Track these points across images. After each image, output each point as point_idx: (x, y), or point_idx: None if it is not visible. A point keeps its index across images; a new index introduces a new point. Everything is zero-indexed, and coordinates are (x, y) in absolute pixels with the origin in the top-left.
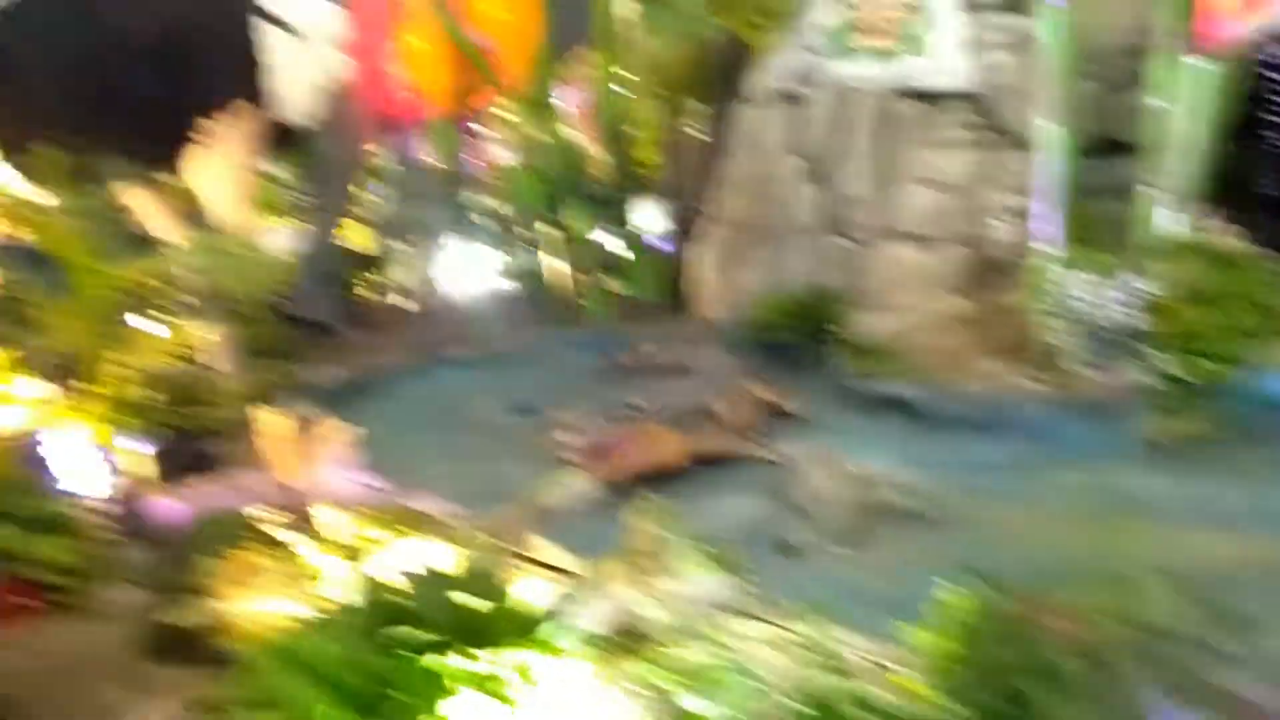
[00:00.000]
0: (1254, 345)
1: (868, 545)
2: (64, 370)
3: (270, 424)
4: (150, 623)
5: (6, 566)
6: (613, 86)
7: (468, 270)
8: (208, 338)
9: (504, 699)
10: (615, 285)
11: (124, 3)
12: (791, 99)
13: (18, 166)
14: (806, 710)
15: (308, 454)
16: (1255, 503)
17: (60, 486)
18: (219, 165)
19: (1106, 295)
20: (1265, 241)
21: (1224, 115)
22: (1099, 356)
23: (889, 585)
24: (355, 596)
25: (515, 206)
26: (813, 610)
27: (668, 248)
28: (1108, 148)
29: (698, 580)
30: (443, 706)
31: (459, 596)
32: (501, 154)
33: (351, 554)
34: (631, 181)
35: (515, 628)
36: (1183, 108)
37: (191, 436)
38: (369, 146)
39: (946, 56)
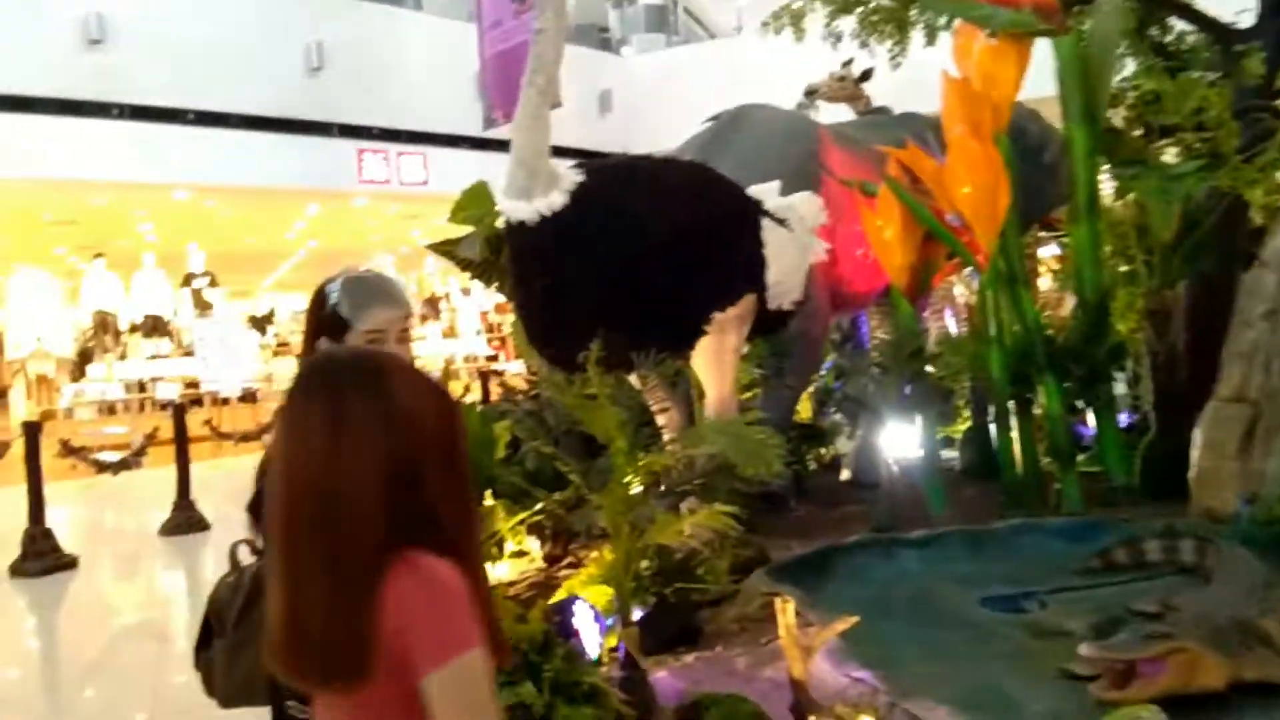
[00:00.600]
0: None
1: None
2: (568, 537)
3: (784, 610)
4: None
5: None
6: (1089, 254)
7: (923, 446)
8: (715, 514)
9: None
10: (1089, 467)
11: (648, 207)
12: None
13: (561, 360)
14: None
15: (817, 640)
16: None
17: (585, 654)
18: (714, 350)
19: None
20: None
21: None
22: None
23: None
24: None
25: (977, 381)
26: None
27: (1152, 426)
28: None
29: None
30: None
31: None
32: (961, 327)
33: None
34: (1109, 354)
35: None
36: None
37: (676, 609)
38: (830, 323)
39: None
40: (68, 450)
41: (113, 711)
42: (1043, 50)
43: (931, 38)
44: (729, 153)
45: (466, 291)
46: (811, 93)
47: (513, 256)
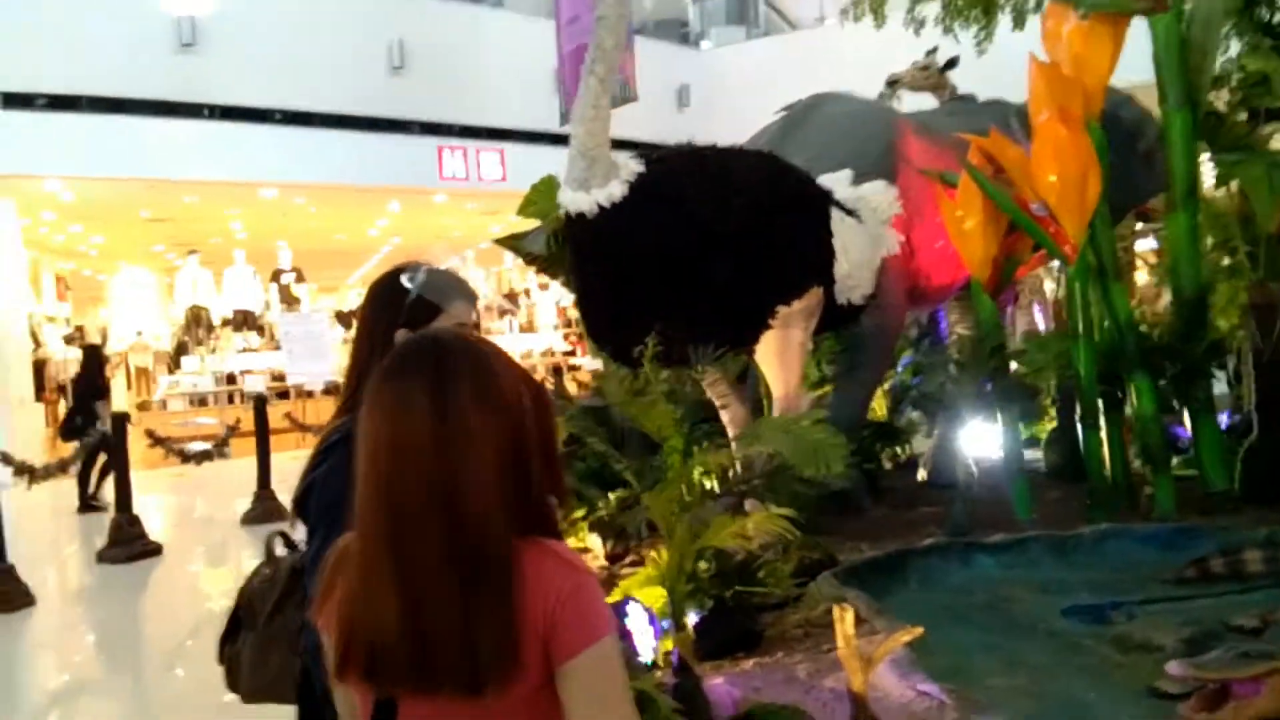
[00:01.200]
0: None
1: None
2: (628, 536)
3: (842, 618)
4: None
5: None
6: (1187, 246)
7: (1001, 446)
8: (773, 517)
9: None
10: (1185, 471)
11: (711, 197)
12: None
13: (620, 354)
14: None
15: (879, 651)
16: None
17: (638, 657)
18: (780, 345)
19: None
20: None
21: None
22: None
23: None
24: None
25: (1064, 380)
26: None
27: (1242, 428)
28: None
29: None
30: None
31: None
32: (1026, 321)
33: None
34: (1207, 351)
35: None
36: None
37: (735, 612)
38: (905, 319)
39: None
40: (155, 440)
41: (199, 694)
42: (1139, 31)
43: (1019, 21)
44: (802, 143)
45: (545, 286)
46: (894, 82)
47: (572, 249)
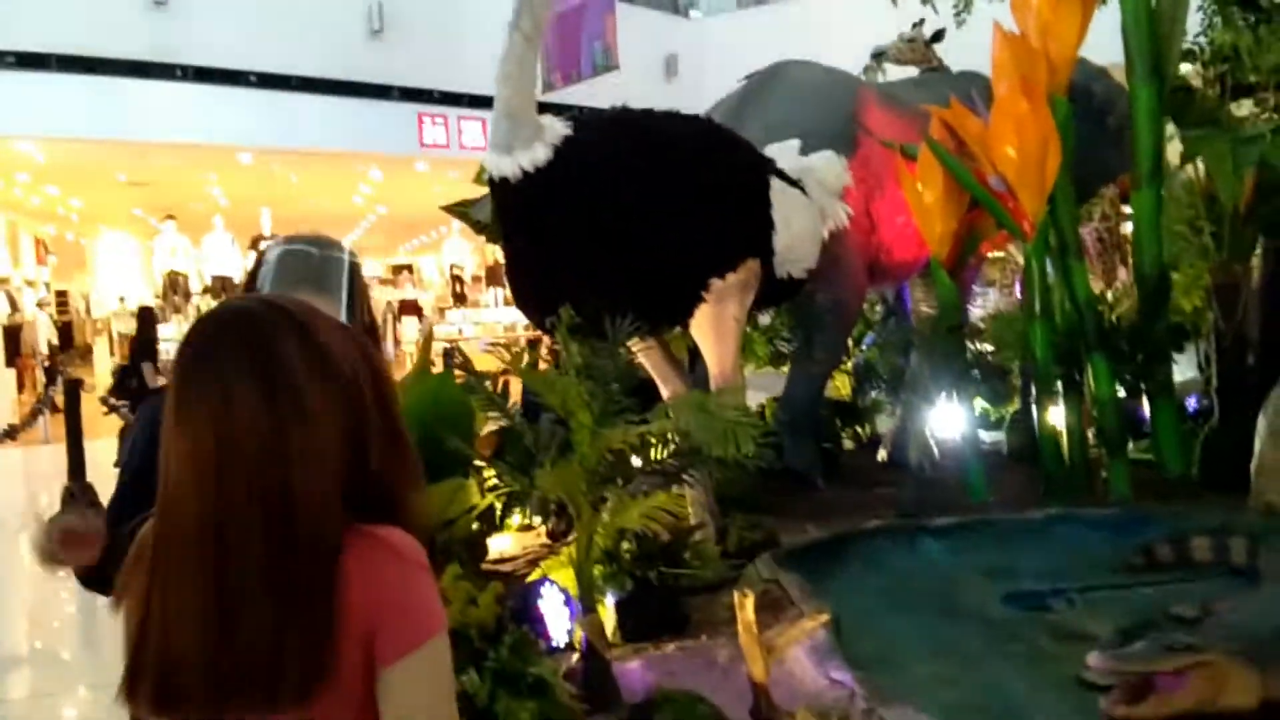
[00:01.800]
0: None
1: None
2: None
3: (742, 605)
4: None
5: None
6: (1150, 224)
7: (959, 427)
8: (690, 495)
9: None
10: (1139, 454)
11: (641, 162)
12: None
13: (545, 325)
14: None
15: (782, 639)
16: None
17: (547, 641)
18: (714, 320)
19: None
20: None
21: None
22: None
23: None
24: None
25: (1021, 360)
26: None
27: (1210, 412)
28: None
29: None
30: None
31: None
32: (1006, 301)
33: None
34: (1167, 334)
35: None
36: None
37: (659, 593)
38: (863, 295)
39: None
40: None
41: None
42: (1116, 9)
43: None
44: (760, 111)
45: None
46: (879, 55)
47: (498, 214)
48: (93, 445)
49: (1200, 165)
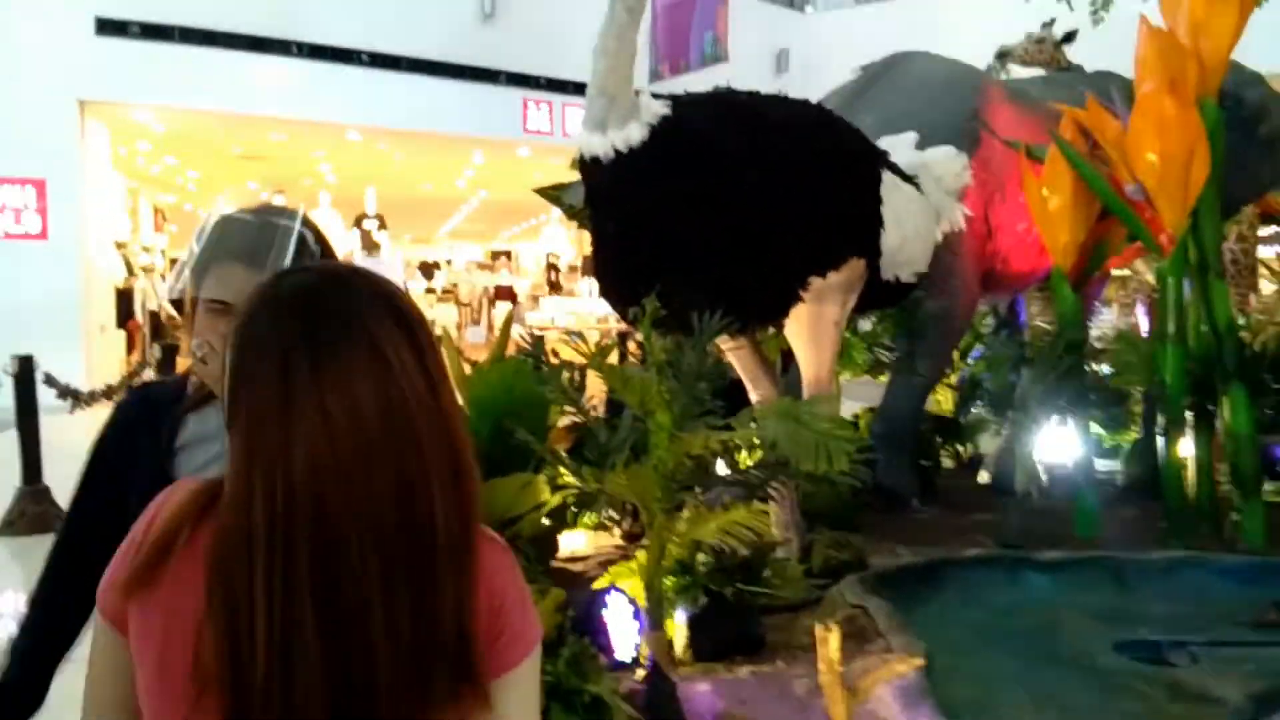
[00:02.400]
0: None
1: None
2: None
3: (825, 640)
4: None
5: None
6: None
7: (1072, 453)
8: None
9: None
10: (1274, 498)
11: (742, 147)
12: None
13: (628, 316)
14: None
15: (868, 680)
16: None
17: (609, 655)
18: (811, 321)
19: None
20: None
21: None
22: None
23: None
24: None
25: (1146, 385)
26: None
27: None
28: None
29: None
30: None
31: None
32: (1126, 321)
33: None
34: None
35: None
36: None
37: (735, 610)
38: (974, 306)
39: None
40: None
41: None
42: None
43: None
44: (875, 102)
45: None
46: (1004, 55)
47: (587, 195)
48: None
49: None
